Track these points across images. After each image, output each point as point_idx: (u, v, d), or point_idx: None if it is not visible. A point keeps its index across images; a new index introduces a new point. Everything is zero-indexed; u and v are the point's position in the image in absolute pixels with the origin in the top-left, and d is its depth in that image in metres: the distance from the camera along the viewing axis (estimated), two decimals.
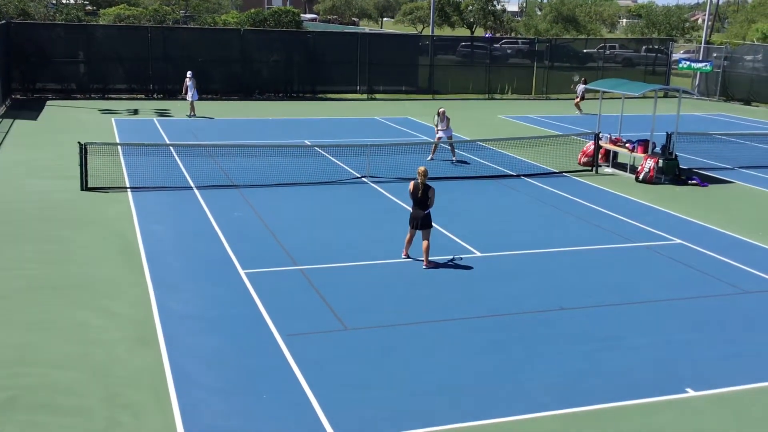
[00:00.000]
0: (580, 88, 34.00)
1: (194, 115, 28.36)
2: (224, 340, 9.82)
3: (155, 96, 33.99)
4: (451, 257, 13.22)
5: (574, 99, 34.70)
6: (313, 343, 9.82)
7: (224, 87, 35.16)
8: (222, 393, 8.52)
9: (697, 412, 8.48)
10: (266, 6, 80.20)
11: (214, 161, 20.10)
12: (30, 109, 29.07)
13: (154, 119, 27.99)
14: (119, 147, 20.77)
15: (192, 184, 17.87)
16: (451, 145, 21.75)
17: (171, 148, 21.09)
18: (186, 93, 28.36)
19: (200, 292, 11.43)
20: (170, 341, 9.72)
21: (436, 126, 21.66)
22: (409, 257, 13.04)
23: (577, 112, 33.63)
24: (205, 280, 11.89)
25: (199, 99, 29.23)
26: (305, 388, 8.63)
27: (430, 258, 12.73)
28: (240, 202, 16.59)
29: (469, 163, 21.41)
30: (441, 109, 21.79)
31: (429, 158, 21.40)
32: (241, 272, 12.23)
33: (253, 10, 46.62)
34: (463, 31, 69.57)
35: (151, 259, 12.77)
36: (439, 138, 21.69)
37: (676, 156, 20.50)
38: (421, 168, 12.63)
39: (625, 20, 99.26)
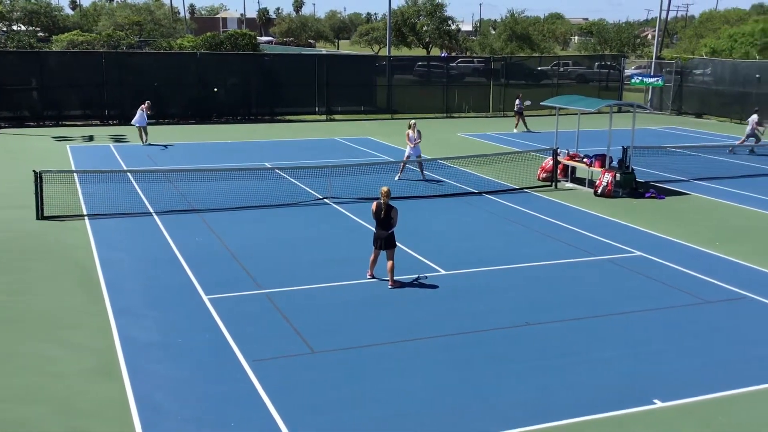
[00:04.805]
0: (518, 103, 33.87)
1: (146, 141, 27.63)
2: (189, 368, 9.63)
3: (111, 122, 33.55)
4: (417, 276, 13.20)
5: (516, 117, 34.08)
6: (280, 367, 9.69)
7: (181, 111, 34.86)
8: (189, 422, 8.33)
9: (665, 423, 8.54)
10: (222, 30, 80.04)
11: (174, 186, 19.84)
12: None
13: (110, 145, 27.59)
14: (75, 174, 20.42)
15: (151, 210, 17.61)
16: (419, 163, 21.78)
17: (128, 174, 20.79)
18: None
19: (163, 319, 11.21)
20: (133, 371, 9.50)
21: (414, 141, 21.43)
22: (374, 277, 12.98)
23: (519, 128, 33.65)
24: (168, 307, 11.67)
25: (157, 123, 28.81)
26: (274, 415, 8.49)
27: (395, 278, 12.69)
28: (201, 226, 16.38)
29: (439, 181, 21.50)
30: (412, 122, 21.78)
31: (397, 177, 21.38)
32: (205, 298, 12.04)
33: (208, 34, 46.46)
34: (419, 51, 70.20)
35: (111, 287, 12.51)
36: (408, 156, 21.68)
37: (632, 170, 20.84)
38: (384, 188, 12.62)
39: (577, 37, 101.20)
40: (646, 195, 20.35)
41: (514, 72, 42.02)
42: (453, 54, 64.88)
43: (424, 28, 69.37)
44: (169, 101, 34.27)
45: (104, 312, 11.46)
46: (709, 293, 12.71)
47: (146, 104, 27.83)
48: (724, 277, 13.47)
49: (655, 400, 8.96)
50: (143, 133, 27.59)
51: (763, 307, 12.12)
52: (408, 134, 21.54)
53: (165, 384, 9.20)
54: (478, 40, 76.81)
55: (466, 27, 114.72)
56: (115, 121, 33.45)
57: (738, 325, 11.37)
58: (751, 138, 27.84)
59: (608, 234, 16.33)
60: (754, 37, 48.70)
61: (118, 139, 29.07)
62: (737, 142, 28.12)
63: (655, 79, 39.42)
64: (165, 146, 27.46)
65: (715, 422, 8.57)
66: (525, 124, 33.79)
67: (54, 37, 47.91)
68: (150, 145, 27.43)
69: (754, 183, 22.33)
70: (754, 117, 27.94)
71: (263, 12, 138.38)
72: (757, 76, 37.56)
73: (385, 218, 12.50)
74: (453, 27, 71.67)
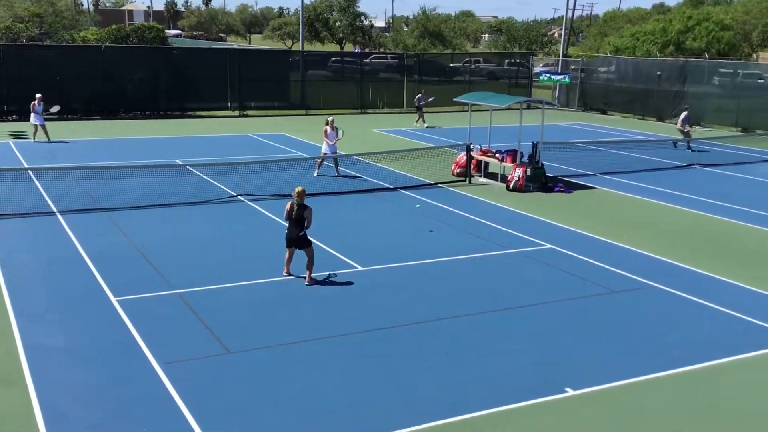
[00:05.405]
0: (420, 98, 34.37)
1: (46, 139, 26.36)
2: (98, 373, 9.27)
3: (9, 118, 32.03)
4: (333, 272, 13.13)
5: (418, 113, 34.48)
6: (194, 369, 9.45)
7: (85, 106, 33.60)
8: (97, 429, 8.02)
9: (576, 411, 8.78)
10: (128, 22, 77.70)
11: (78, 184, 19.09)
12: None
13: (10, 142, 26.36)
14: None
15: (54, 210, 16.90)
16: (335, 159, 21.65)
17: (29, 171, 19.89)
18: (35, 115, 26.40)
19: (69, 323, 10.76)
20: (38, 378, 9.07)
21: (335, 138, 21.23)
22: (290, 275, 12.85)
23: (424, 124, 34.07)
24: (74, 311, 11.21)
25: (60, 119, 27.65)
26: (188, 418, 8.27)
27: (312, 275, 12.58)
28: (109, 226, 15.82)
29: (355, 176, 21.44)
30: (330, 118, 21.60)
31: (315, 174, 21.19)
32: (113, 300, 11.63)
33: (114, 27, 45.05)
34: (332, 47, 70.01)
35: (13, 290, 11.93)
36: (325, 153, 21.50)
37: (542, 164, 21.36)
38: (298, 188, 12.42)
39: (487, 35, 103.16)
40: (555, 189, 20.90)
41: (427, 68, 42.41)
42: (366, 50, 65.01)
43: (337, 24, 69.29)
44: (72, 96, 32.95)
45: (5, 316, 10.91)
46: (616, 284, 13.14)
47: (37, 98, 26.52)
48: (629, 268, 13.96)
49: (567, 389, 9.20)
50: (41, 131, 26.33)
51: (665, 295, 12.63)
52: (326, 131, 21.36)
53: (72, 390, 8.83)
54: (391, 37, 77.32)
55: (379, 23, 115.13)
56: (14, 117, 31.95)
57: (642, 314, 11.80)
58: (684, 133, 28.96)
59: (520, 228, 16.67)
60: (655, 36, 50.80)
61: (17, 135, 27.78)
62: (681, 139, 29.03)
63: (562, 76, 40.55)
64: (60, 141, 26.43)
65: (623, 408, 8.86)
66: (417, 119, 34.32)
67: None
68: (52, 142, 26.29)
69: (655, 176, 23.26)
70: (684, 114, 29.07)
71: (171, 5, 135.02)
72: (658, 73, 39.18)
73: (296, 218, 12.37)
74: (366, 23, 71.87)
